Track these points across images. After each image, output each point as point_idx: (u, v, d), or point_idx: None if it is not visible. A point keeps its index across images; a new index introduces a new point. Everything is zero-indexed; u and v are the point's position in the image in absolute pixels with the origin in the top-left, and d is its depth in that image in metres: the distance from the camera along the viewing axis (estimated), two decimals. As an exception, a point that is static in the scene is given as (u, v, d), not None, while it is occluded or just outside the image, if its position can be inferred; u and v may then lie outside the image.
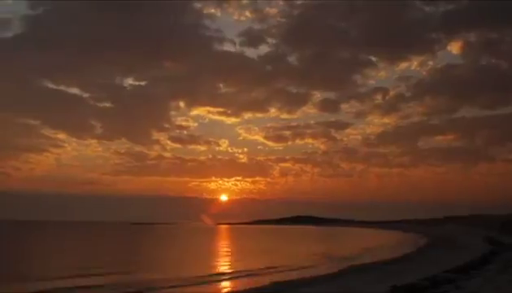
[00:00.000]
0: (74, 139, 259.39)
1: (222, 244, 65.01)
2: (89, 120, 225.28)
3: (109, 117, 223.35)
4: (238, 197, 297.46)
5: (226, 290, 21.91)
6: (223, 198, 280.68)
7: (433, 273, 20.99)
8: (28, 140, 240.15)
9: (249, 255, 43.43)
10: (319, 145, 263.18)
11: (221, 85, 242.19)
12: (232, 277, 25.75)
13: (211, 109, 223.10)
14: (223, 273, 27.55)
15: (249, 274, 26.24)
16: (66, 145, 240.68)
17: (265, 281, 22.51)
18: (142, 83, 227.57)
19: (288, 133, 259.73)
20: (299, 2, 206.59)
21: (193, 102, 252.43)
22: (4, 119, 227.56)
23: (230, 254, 45.23)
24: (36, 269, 28.75)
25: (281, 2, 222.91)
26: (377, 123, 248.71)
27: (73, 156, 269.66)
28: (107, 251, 46.64)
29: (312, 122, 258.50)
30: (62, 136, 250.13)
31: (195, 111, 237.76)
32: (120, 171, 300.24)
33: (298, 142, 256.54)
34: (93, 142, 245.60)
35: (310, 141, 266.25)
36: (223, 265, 33.40)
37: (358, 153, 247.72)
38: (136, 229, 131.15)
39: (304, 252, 45.03)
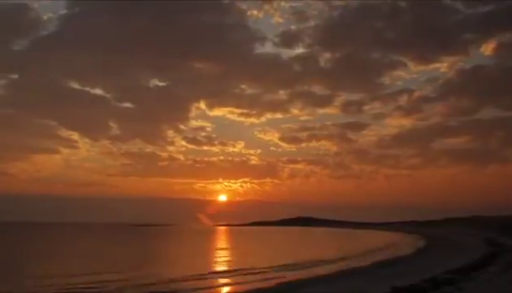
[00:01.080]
0: (87, 140, 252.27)
1: (212, 245, 64.89)
2: (107, 120, 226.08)
3: (127, 118, 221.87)
4: (243, 199, 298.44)
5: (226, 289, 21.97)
6: (226, 199, 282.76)
7: (433, 274, 21.01)
8: (39, 141, 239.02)
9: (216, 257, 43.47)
10: (332, 146, 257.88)
11: (246, 86, 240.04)
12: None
13: (232, 109, 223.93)
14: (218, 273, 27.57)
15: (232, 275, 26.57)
16: (79, 146, 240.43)
17: (264, 283, 22.49)
18: (167, 83, 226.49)
19: (303, 134, 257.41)
20: (340, 4, 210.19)
21: (215, 102, 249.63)
22: (23, 119, 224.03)
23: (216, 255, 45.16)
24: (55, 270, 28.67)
25: (321, 4, 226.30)
26: (394, 124, 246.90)
27: (82, 157, 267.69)
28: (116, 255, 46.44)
29: (329, 123, 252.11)
30: (75, 137, 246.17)
31: (215, 112, 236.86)
32: (128, 172, 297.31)
33: (313, 143, 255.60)
34: (107, 142, 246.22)
35: (324, 142, 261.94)
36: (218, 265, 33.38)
37: (370, 155, 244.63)
38: (133, 231, 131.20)
39: (302, 254, 45.00)
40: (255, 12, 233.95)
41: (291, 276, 24.93)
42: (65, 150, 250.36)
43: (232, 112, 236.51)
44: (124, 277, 24.53)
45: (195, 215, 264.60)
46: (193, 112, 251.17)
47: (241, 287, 21.88)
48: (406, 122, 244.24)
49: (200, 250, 53.86)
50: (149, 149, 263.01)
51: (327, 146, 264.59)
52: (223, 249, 53.98)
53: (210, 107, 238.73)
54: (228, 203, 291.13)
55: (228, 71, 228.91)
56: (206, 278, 25.01)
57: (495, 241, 51.73)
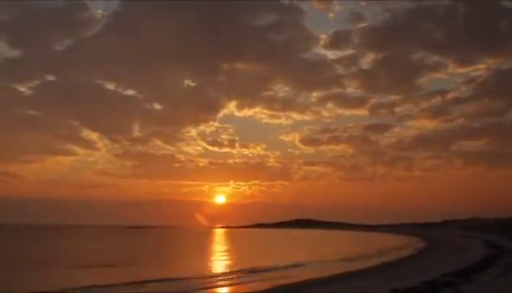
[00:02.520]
0: (107, 141, 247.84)
1: (202, 246, 65.03)
2: (132, 121, 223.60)
3: (152, 119, 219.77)
4: (249, 201, 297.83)
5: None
6: (230, 202, 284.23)
7: (433, 276, 20.99)
8: (58, 142, 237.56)
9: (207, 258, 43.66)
10: (349, 148, 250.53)
11: (282, 87, 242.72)
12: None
13: (262, 111, 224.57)
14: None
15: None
16: (97, 147, 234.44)
17: (264, 285, 22.48)
18: (199, 84, 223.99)
19: (324, 136, 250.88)
20: (394, 6, 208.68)
21: (246, 104, 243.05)
22: (48, 120, 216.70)
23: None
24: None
25: (377, 6, 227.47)
26: (416, 126, 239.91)
27: (96, 159, 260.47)
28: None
29: (351, 125, 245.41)
30: (94, 138, 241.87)
31: (244, 113, 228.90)
32: (138, 174, 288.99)
33: (331, 146, 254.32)
34: (126, 144, 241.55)
35: (343, 144, 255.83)
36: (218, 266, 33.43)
37: (385, 157, 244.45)
38: (129, 233, 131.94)
39: (301, 255, 44.99)
40: (310, 12, 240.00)
41: (290, 278, 24.92)
42: (82, 152, 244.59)
43: (261, 113, 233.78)
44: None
45: (195, 217, 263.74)
46: (221, 113, 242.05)
47: (241, 288, 21.91)
48: (430, 124, 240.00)
49: (194, 251, 53.93)
50: (166, 151, 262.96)
51: (344, 148, 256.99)
52: (220, 251, 54.03)
53: (240, 108, 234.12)
54: (231, 206, 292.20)
55: (269, 72, 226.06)
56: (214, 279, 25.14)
57: (495, 243, 51.72)
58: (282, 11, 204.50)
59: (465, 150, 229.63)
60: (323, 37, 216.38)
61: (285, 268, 30.66)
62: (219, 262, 38.26)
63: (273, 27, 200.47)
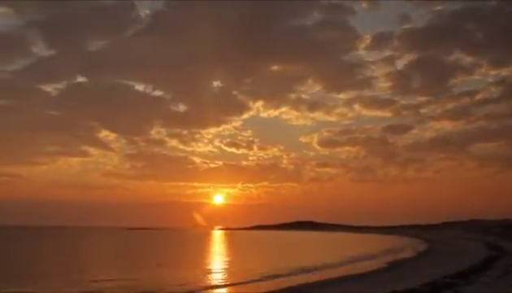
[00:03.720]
0: (123, 141, 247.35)
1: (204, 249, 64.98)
2: (154, 122, 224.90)
3: (174, 119, 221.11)
4: (253, 202, 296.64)
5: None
6: (233, 203, 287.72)
7: (433, 278, 21.04)
8: (73, 143, 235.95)
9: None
10: (363, 149, 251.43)
11: (313, 88, 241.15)
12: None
13: (288, 111, 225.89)
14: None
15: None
16: (112, 147, 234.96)
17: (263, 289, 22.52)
18: (227, 85, 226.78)
19: (343, 138, 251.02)
20: (439, 8, 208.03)
21: (272, 105, 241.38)
22: (69, 121, 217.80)
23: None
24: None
25: (423, 7, 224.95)
26: (436, 127, 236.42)
27: (108, 160, 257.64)
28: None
29: (370, 126, 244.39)
30: (112, 138, 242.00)
31: (270, 114, 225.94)
32: (146, 175, 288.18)
33: (347, 147, 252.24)
34: (143, 144, 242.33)
35: (358, 145, 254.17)
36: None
37: (399, 158, 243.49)
38: (129, 235, 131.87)
39: (300, 257, 45.00)
40: (358, 12, 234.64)
41: (291, 281, 24.97)
42: (95, 152, 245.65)
43: (286, 114, 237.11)
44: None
45: (195, 218, 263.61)
46: (246, 114, 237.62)
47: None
48: (449, 125, 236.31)
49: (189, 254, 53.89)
50: (180, 152, 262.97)
51: (358, 149, 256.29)
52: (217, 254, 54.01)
53: (266, 108, 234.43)
54: (233, 207, 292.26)
55: (302, 72, 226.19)
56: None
57: (495, 244, 51.75)
58: (328, 10, 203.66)
59: (480, 151, 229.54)
60: (367, 37, 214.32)
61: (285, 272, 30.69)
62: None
63: (316, 26, 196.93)
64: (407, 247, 61.93)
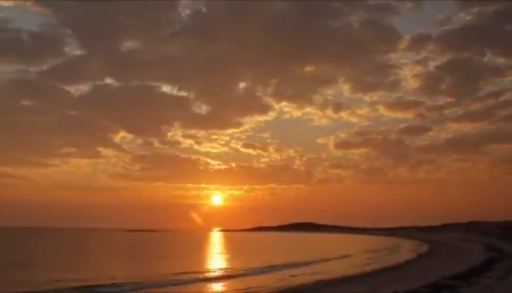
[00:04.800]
0: (139, 142, 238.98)
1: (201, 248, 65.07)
2: (174, 123, 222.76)
3: (195, 120, 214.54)
4: (257, 204, 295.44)
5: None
6: (236, 204, 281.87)
7: (434, 279, 21.05)
8: (87, 143, 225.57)
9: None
10: (375, 151, 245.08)
11: (339, 88, 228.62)
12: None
13: (312, 112, 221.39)
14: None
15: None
16: (125, 148, 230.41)
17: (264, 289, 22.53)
18: (256, 85, 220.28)
19: (358, 139, 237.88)
20: (482, 7, 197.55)
21: (297, 106, 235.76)
22: (90, 121, 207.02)
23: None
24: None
25: (465, 6, 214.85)
26: (453, 128, 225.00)
27: (115, 161, 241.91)
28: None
29: (386, 127, 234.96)
30: (127, 139, 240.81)
31: (290, 115, 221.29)
32: (155, 177, 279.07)
33: (362, 148, 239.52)
34: (157, 145, 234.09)
35: (370, 147, 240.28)
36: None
37: (411, 159, 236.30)
38: (127, 237, 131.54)
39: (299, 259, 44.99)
40: (402, 12, 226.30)
41: (293, 281, 24.98)
42: (109, 153, 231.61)
43: (310, 115, 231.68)
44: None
45: (196, 220, 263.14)
46: (267, 116, 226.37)
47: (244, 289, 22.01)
48: (469, 126, 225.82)
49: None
50: (193, 153, 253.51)
51: (371, 150, 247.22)
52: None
53: (290, 109, 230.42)
54: (235, 209, 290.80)
55: (333, 73, 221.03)
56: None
57: (495, 246, 51.76)
58: (374, 10, 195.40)
59: (493, 153, 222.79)
60: (407, 38, 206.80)
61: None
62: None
63: (359, 26, 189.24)
64: (407, 248, 61.93)
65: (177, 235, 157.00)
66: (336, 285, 22.96)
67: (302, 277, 27.10)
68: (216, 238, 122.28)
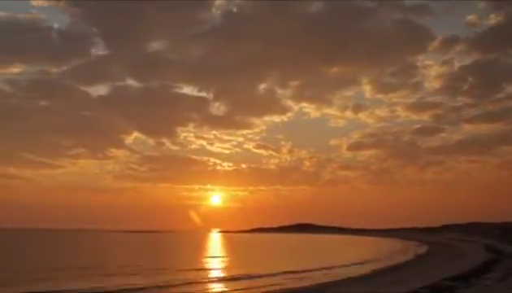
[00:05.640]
0: (151, 143, 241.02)
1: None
2: (189, 123, 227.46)
3: (211, 121, 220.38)
4: (261, 205, 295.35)
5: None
6: (239, 206, 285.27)
7: (433, 281, 20.97)
8: (98, 145, 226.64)
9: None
10: (385, 152, 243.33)
11: (360, 89, 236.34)
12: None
13: (330, 113, 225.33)
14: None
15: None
16: (135, 149, 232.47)
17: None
18: (277, 86, 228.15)
19: (370, 140, 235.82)
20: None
21: (316, 106, 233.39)
22: (104, 122, 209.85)
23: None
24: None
25: (496, 6, 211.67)
26: (466, 129, 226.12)
27: (124, 162, 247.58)
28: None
29: (399, 129, 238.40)
30: (140, 140, 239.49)
31: (308, 116, 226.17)
32: (161, 178, 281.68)
33: (372, 149, 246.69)
34: (168, 146, 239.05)
35: (381, 148, 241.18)
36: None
37: (420, 160, 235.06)
38: (125, 238, 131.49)
39: (304, 261, 44.91)
40: (435, 15, 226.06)
41: (292, 283, 24.86)
42: (119, 154, 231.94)
43: (327, 116, 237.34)
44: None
45: (193, 220, 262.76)
46: (285, 117, 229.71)
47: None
48: (483, 127, 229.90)
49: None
50: (204, 153, 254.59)
51: (381, 152, 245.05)
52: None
53: (309, 110, 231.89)
54: (238, 210, 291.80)
55: (357, 74, 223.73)
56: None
57: (495, 247, 51.66)
58: (410, 10, 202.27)
59: (503, 154, 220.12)
60: (439, 39, 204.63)
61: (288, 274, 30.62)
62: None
63: (393, 27, 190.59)
64: (407, 250, 61.84)
65: (174, 236, 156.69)
66: (335, 286, 22.85)
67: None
68: (210, 241, 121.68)
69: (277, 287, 23.10)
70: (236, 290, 23.18)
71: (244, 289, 23.31)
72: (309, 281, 25.91)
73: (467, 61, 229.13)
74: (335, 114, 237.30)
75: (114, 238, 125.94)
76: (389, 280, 24.70)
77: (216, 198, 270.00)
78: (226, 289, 24.04)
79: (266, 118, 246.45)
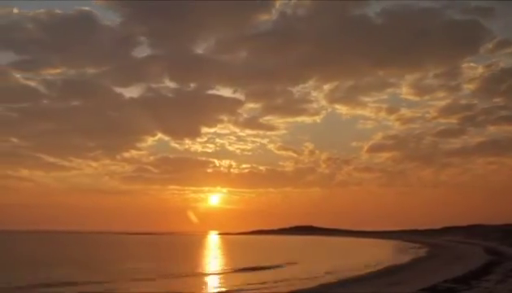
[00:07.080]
0: (172, 143, 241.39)
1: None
2: (216, 124, 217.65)
3: (237, 120, 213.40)
4: (265, 207, 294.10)
5: None
6: (242, 208, 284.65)
7: (433, 282, 20.84)
8: (112, 146, 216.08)
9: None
10: (402, 154, 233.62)
11: (395, 91, 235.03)
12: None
13: (362, 115, 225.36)
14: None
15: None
16: (152, 151, 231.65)
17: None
18: (311, 86, 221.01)
19: (390, 141, 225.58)
20: None
21: (346, 108, 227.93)
22: (128, 124, 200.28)
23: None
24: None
25: None
26: (489, 131, 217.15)
27: (135, 164, 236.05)
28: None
29: (422, 130, 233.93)
30: (162, 141, 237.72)
31: (338, 118, 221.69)
32: (171, 180, 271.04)
33: (393, 151, 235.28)
34: (186, 146, 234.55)
35: (397, 150, 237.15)
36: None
37: (436, 163, 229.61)
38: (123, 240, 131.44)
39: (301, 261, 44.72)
40: (495, 17, 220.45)
41: (292, 285, 24.72)
42: (137, 155, 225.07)
43: (358, 117, 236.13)
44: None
45: (192, 222, 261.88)
46: (314, 118, 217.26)
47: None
48: (505, 129, 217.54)
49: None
50: (222, 155, 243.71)
51: (398, 153, 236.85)
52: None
53: (341, 112, 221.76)
54: (240, 212, 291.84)
55: (393, 76, 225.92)
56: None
57: (495, 249, 51.50)
58: (470, 11, 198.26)
59: None
60: (495, 41, 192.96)
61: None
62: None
63: (448, 27, 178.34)
64: (407, 251, 61.68)
65: (172, 238, 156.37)
66: (335, 287, 22.72)
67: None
68: (203, 242, 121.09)
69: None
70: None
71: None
72: (308, 283, 25.80)
73: (503, 63, 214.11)
74: (368, 116, 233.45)
75: (113, 240, 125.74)
76: (389, 282, 24.56)
77: (221, 199, 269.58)
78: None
79: (297, 119, 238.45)
